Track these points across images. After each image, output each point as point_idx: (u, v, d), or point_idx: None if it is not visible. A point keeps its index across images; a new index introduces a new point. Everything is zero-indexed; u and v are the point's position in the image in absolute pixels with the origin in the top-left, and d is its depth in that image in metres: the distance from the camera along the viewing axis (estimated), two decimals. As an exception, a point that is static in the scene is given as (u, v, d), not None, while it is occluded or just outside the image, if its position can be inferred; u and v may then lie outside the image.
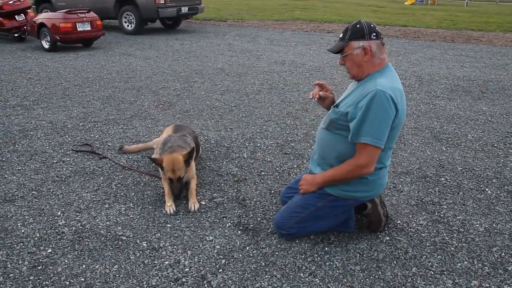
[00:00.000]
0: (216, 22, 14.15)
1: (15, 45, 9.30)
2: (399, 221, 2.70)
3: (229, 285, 2.14)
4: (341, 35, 2.27)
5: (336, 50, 2.26)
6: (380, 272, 2.24)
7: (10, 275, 2.19)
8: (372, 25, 2.20)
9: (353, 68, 2.26)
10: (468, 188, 3.16)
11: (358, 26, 2.20)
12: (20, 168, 3.41)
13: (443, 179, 3.30)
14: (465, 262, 2.33)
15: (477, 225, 2.68)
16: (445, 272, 2.24)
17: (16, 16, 9.50)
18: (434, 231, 2.61)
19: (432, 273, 2.24)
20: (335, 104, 2.40)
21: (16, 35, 9.60)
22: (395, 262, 2.32)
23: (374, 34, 2.18)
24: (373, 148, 2.17)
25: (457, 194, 3.07)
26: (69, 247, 2.42)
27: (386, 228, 2.60)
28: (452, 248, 2.44)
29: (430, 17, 16.32)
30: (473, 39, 10.97)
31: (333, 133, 2.35)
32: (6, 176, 3.26)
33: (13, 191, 3.04)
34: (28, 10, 9.85)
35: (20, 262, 2.28)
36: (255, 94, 5.59)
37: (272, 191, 3.07)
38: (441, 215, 2.79)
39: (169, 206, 2.79)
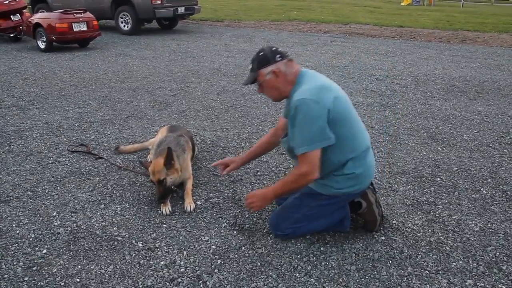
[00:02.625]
0: (213, 22, 14.15)
1: (10, 45, 9.27)
2: (394, 221, 2.71)
3: (225, 285, 2.14)
4: (250, 67, 2.36)
5: (251, 81, 2.36)
6: (375, 272, 2.24)
7: (5, 276, 2.18)
8: (273, 49, 2.31)
9: (271, 92, 2.36)
10: (463, 188, 3.17)
11: (261, 54, 2.30)
12: (15, 168, 3.39)
13: (438, 179, 3.31)
14: (460, 262, 2.33)
15: (472, 225, 2.69)
16: (440, 272, 2.25)
17: (11, 16, 9.46)
18: (430, 230, 2.62)
19: (428, 272, 2.25)
20: (284, 135, 2.46)
21: (11, 35, 9.56)
22: (390, 261, 2.33)
23: (278, 55, 2.28)
24: (311, 154, 2.19)
25: (452, 194, 3.08)
26: (64, 248, 2.41)
27: (381, 228, 2.61)
28: (447, 248, 2.45)
29: (426, 17, 16.38)
30: (469, 40, 11.02)
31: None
32: (1, 176, 3.25)
33: (8, 191, 3.03)
34: (24, 10, 9.81)
35: (15, 263, 2.27)
36: (251, 95, 5.59)
37: (268, 191, 3.06)
38: (437, 215, 2.79)
39: (165, 206, 2.79)
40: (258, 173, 3.35)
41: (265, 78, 2.30)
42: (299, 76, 2.31)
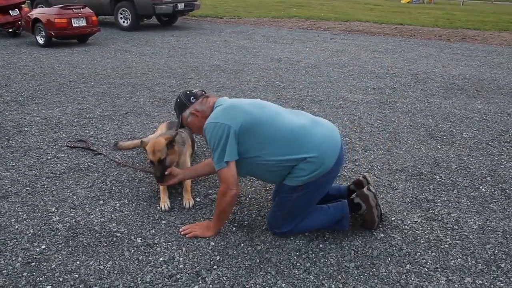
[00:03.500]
0: (213, 19, 14.11)
1: (9, 41, 9.23)
2: (393, 218, 2.71)
3: (224, 281, 2.14)
4: (176, 114, 2.60)
5: (179, 126, 2.62)
6: (374, 269, 2.24)
7: (3, 271, 2.18)
8: (188, 92, 2.55)
9: (198, 131, 2.54)
10: (462, 186, 3.18)
11: (178, 100, 2.55)
12: (14, 164, 3.39)
13: (437, 176, 3.31)
14: (459, 259, 2.34)
15: (471, 223, 2.69)
16: (439, 269, 2.25)
17: (10, 11, 9.41)
18: (429, 228, 2.62)
19: (426, 270, 2.25)
20: None
21: (10, 30, 9.52)
22: (389, 259, 2.33)
23: (192, 97, 2.51)
24: (222, 171, 2.31)
25: (451, 191, 3.09)
26: (63, 243, 2.40)
27: (380, 226, 2.61)
28: (446, 245, 2.45)
29: (426, 15, 16.37)
30: (469, 38, 11.01)
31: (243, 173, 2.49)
32: (-1, 172, 3.25)
33: (7, 187, 3.02)
34: (23, 5, 9.77)
35: (13, 259, 2.27)
36: (250, 91, 5.58)
37: (267, 188, 3.06)
38: (436, 213, 2.80)
39: (164, 202, 2.79)
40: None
41: (188, 121, 2.52)
42: (214, 108, 2.46)
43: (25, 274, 2.16)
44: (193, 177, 2.98)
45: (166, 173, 2.73)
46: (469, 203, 2.93)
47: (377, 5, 20.53)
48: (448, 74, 6.83)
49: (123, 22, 11.06)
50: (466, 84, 6.22)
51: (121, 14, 11.02)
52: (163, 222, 2.63)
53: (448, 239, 2.51)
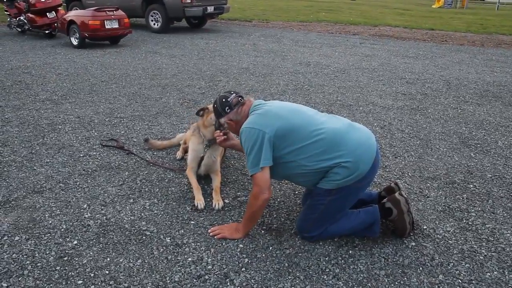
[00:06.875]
0: (241, 22, 14.19)
1: (45, 42, 9.53)
2: (425, 227, 2.64)
3: (252, 284, 2.13)
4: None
5: (217, 128, 2.73)
6: (405, 278, 2.19)
7: (38, 264, 2.23)
8: (223, 100, 2.52)
9: (235, 132, 2.60)
10: (498, 196, 3.07)
11: (215, 106, 2.58)
12: (48, 160, 3.48)
13: (471, 185, 3.21)
14: (495, 272, 2.25)
15: (508, 235, 2.59)
16: (473, 282, 2.18)
17: (47, 14, 9.75)
18: (462, 238, 2.54)
19: (460, 281, 2.18)
20: None
21: (46, 31, 9.84)
22: (421, 268, 2.27)
23: (227, 107, 2.50)
24: (256, 176, 2.32)
25: (486, 201, 2.99)
26: (94, 240, 2.45)
27: (412, 234, 2.55)
28: (481, 257, 2.37)
29: (459, 20, 15.99)
30: (504, 44, 10.68)
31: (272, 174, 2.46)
32: (35, 168, 3.34)
33: (42, 182, 3.10)
34: (59, 8, 10.09)
35: (47, 252, 2.33)
36: (279, 95, 5.57)
37: (296, 192, 3.04)
38: (469, 223, 2.71)
39: (199, 200, 2.80)
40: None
41: (225, 126, 2.62)
42: (250, 113, 2.48)
43: (58, 268, 2.21)
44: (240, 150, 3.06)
45: (225, 132, 2.77)
46: (505, 214, 2.82)
47: (407, 10, 20.20)
48: (482, 80, 6.64)
49: (154, 24, 11.25)
50: (502, 91, 6.03)
51: (152, 16, 11.22)
52: (192, 222, 2.64)
53: (483, 251, 2.43)
